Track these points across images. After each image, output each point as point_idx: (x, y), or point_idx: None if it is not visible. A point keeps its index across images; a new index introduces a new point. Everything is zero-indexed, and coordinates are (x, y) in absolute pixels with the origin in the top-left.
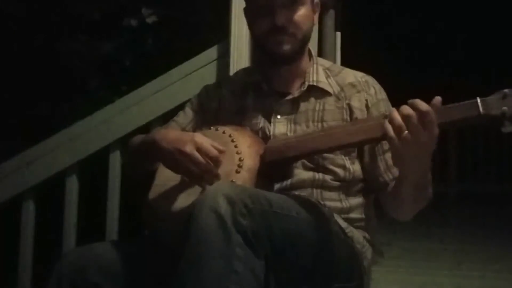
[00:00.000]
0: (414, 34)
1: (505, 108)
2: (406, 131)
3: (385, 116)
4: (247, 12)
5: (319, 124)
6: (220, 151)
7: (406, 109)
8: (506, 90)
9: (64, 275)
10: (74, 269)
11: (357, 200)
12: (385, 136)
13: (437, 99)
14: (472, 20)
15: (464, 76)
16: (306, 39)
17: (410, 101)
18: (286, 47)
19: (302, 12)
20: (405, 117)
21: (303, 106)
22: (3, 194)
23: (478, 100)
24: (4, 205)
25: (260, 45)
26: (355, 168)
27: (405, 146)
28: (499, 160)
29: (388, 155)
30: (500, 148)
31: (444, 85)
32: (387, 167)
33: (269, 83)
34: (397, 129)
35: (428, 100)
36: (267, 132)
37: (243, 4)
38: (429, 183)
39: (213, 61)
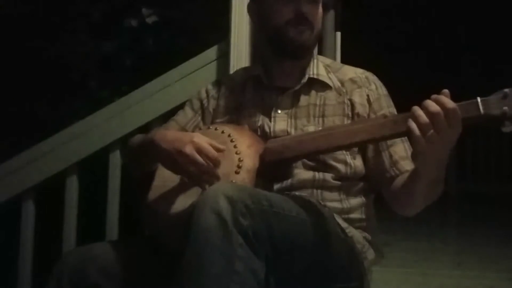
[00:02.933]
0: (415, 34)
1: (505, 108)
2: (432, 130)
3: (385, 116)
4: (263, 2)
5: (320, 119)
6: (219, 150)
7: (432, 106)
8: (506, 90)
9: (64, 275)
10: (74, 269)
11: (357, 201)
12: (401, 135)
13: (446, 91)
14: (472, 20)
15: (464, 76)
16: (318, 36)
17: (434, 97)
18: (306, 37)
19: (319, 10)
20: (432, 115)
21: (303, 100)
22: (3, 194)
23: (479, 100)
24: (4, 205)
25: (278, 36)
26: (356, 163)
27: (430, 145)
28: (499, 160)
29: (393, 150)
30: (500, 148)
31: (445, 84)
32: (392, 162)
33: (269, 77)
34: (423, 127)
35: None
36: (267, 129)
37: (243, 4)
38: (443, 179)
39: (213, 61)
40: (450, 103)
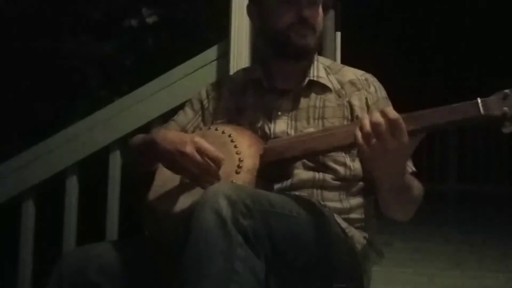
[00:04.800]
0: (415, 34)
1: (505, 108)
2: (374, 139)
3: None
4: (263, 5)
5: (320, 121)
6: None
7: (375, 116)
8: (506, 91)
9: (64, 275)
10: (74, 269)
11: (357, 201)
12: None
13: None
14: (473, 20)
15: (464, 76)
16: (320, 38)
17: (381, 109)
18: (309, 40)
19: (320, 11)
20: (374, 125)
21: (303, 102)
22: (3, 194)
23: (479, 100)
24: (4, 205)
25: (279, 39)
26: (356, 165)
27: (373, 153)
28: (499, 160)
29: None
30: (500, 148)
31: (445, 85)
32: None
33: (270, 79)
34: (366, 136)
35: (429, 100)
36: (267, 131)
37: (243, 4)
38: (409, 186)
39: (213, 61)
40: (392, 114)
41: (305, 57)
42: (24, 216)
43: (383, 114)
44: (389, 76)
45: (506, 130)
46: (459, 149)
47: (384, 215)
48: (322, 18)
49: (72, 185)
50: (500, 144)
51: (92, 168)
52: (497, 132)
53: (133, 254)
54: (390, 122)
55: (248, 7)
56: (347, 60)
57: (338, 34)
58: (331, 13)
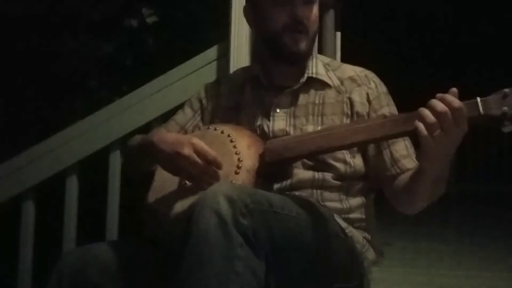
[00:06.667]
0: (415, 34)
1: (505, 108)
2: (439, 130)
3: (385, 117)
4: (258, 7)
5: (319, 118)
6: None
7: (439, 106)
8: (506, 90)
9: (64, 275)
10: (74, 269)
11: (357, 200)
12: (404, 134)
13: (454, 90)
14: (472, 20)
15: (464, 76)
16: (315, 37)
17: (440, 96)
18: (302, 45)
19: (315, 11)
20: (439, 115)
21: (302, 98)
22: (3, 194)
23: (478, 100)
24: (4, 205)
25: (274, 42)
26: (356, 162)
27: (438, 144)
28: (499, 160)
29: (394, 148)
30: (500, 148)
31: (444, 85)
32: (393, 161)
33: (268, 77)
34: (431, 127)
35: (430, 99)
36: (266, 129)
37: (243, 4)
38: (446, 178)
39: (213, 61)
40: (456, 102)
41: (299, 62)
42: (24, 216)
43: (445, 102)
44: (389, 76)
45: (505, 129)
46: (459, 149)
47: (382, 215)
48: (318, 17)
49: (72, 185)
50: (500, 144)
51: (92, 168)
52: (497, 132)
53: (133, 254)
54: (455, 111)
55: (244, 9)
56: (347, 60)
57: (338, 34)
58: (331, 13)
